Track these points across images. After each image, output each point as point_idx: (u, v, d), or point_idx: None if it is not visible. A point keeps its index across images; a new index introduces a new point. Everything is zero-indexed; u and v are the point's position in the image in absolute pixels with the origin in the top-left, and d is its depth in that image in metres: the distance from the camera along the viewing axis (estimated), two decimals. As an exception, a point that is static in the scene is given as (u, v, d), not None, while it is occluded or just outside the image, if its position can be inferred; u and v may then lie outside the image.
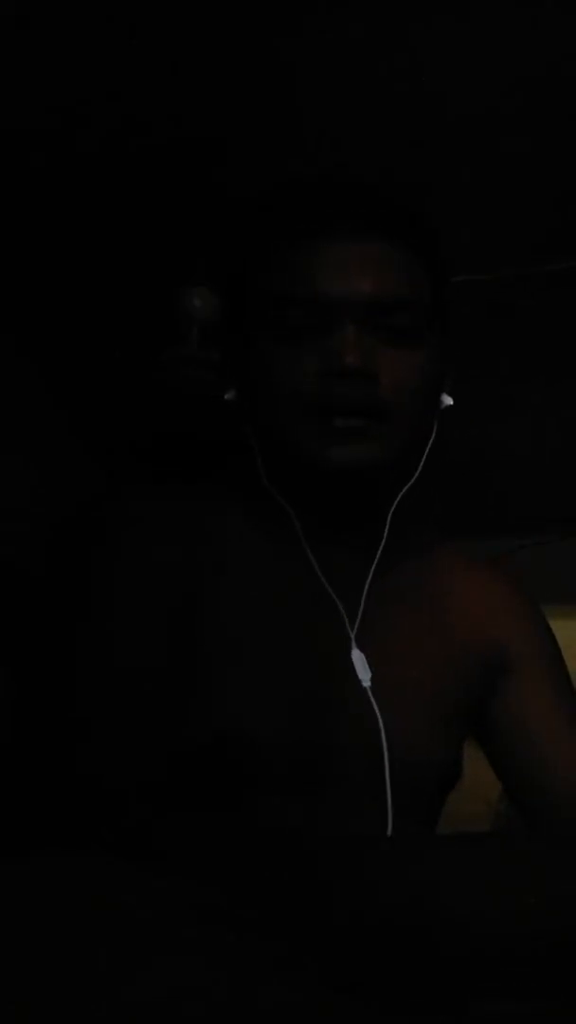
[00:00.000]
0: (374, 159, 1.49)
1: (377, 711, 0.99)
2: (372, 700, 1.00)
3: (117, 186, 1.62)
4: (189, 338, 1.82)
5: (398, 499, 1.04)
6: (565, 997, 0.73)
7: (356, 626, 1.03)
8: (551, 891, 0.73)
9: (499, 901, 0.73)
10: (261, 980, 0.63)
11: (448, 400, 1.06)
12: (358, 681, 1.00)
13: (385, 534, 1.04)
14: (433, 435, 1.05)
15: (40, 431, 2.06)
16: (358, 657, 1.02)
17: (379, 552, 1.05)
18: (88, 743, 0.89)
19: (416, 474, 1.04)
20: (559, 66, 1.41)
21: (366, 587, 1.04)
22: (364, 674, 1.01)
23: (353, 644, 1.02)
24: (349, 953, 0.73)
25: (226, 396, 1.07)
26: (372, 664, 1.01)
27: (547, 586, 1.32)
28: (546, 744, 1.08)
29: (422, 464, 1.04)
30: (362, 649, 1.02)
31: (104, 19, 1.33)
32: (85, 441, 2.14)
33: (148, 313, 1.85)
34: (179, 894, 0.68)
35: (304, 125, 1.50)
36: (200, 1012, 0.60)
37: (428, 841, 0.92)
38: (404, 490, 1.04)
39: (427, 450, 1.05)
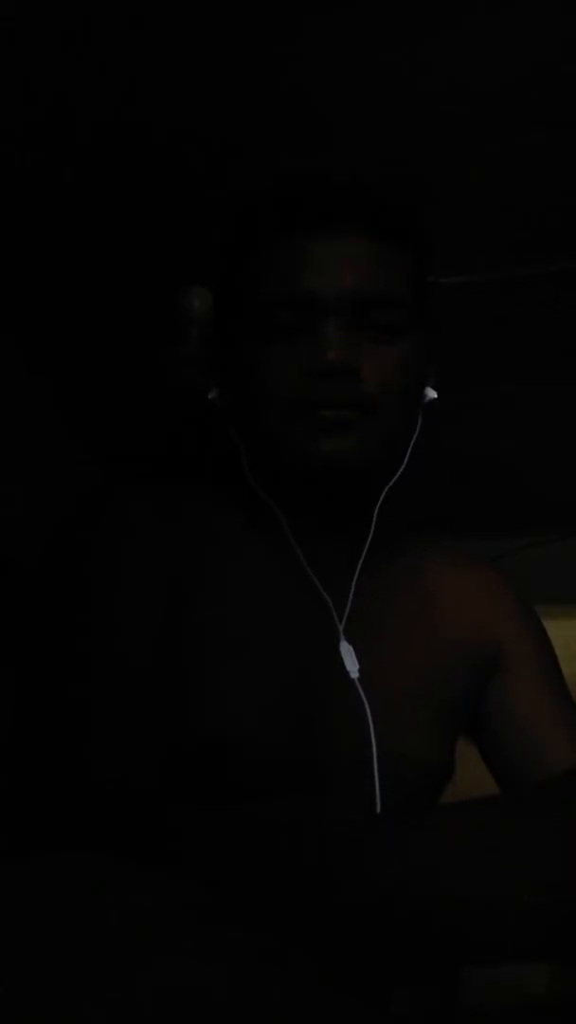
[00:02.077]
0: (374, 157, 1.49)
1: (365, 702, 0.99)
2: (360, 691, 1.00)
3: (116, 185, 1.62)
4: (188, 338, 1.82)
5: (384, 494, 1.04)
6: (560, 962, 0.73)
7: (344, 619, 1.03)
8: (545, 865, 0.73)
9: (494, 875, 0.73)
10: (261, 979, 0.63)
11: (432, 394, 1.06)
12: (346, 673, 1.01)
13: (372, 530, 1.04)
14: (417, 430, 1.05)
15: (38, 429, 2.06)
16: (346, 649, 1.02)
17: (366, 548, 1.05)
18: (90, 740, 0.89)
19: (401, 469, 1.04)
20: (559, 66, 1.41)
21: (354, 582, 1.05)
22: (352, 666, 1.01)
23: (342, 636, 1.02)
24: (350, 950, 0.73)
25: (209, 396, 1.07)
26: (360, 657, 1.02)
27: (547, 586, 1.32)
28: (538, 741, 1.08)
29: (406, 459, 1.05)
30: (351, 643, 1.02)
31: (104, 17, 1.33)
32: (84, 440, 2.14)
33: (148, 313, 1.85)
34: (180, 893, 0.68)
35: (304, 124, 1.50)
36: (200, 1012, 0.60)
37: (420, 818, 0.91)
38: (390, 485, 1.05)
39: (411, 445, 1.05)
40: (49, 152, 1.55)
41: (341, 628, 1.03)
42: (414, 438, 1.05)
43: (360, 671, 1.01)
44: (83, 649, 0.94)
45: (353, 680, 1.00)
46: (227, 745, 0.94)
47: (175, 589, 0.98)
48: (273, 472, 1.03)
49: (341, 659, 1.01)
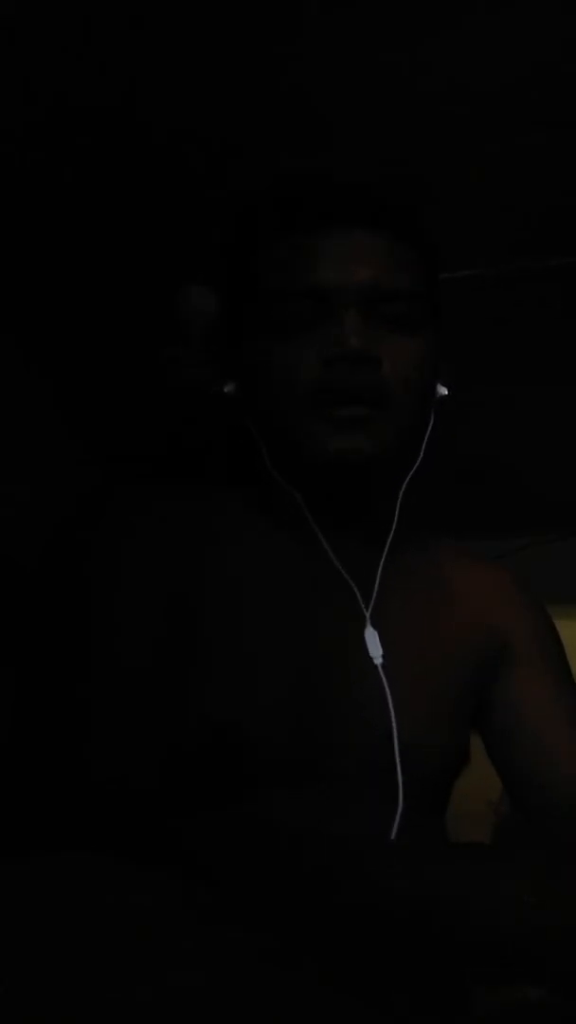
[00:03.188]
0: (374, 157, 1.49)
1: (387, 688, 1.00)
2: (383, 677, 1.00)
3: (116, 185, 1.62)
4: (189, 338, 1.82)
5: (404, 486, 1.06)
6: (563, 988, 0.73)
7: (371, 606, 1.04)
8: (548, 890, 0.73)
9: (498, 898, 0.73)
10: (261, 979, 0.63)
11: (443, 390, 1.08)
12: (369, 660, 1.01)
13: (395, 521, 1.05)
14: (431, 425, 1.06)
15: (38, 429, 2.06)
16: (371, 635, 1.02)
17: (390, 538, 1.06)
18: (90, 740, 0.89)
19: (418, 461, 1.05)
20: (559, 66, 1.41)
21: (380, 570, 1.05)
22: (376, 651, 1.02)
23: (368, 622, 1.03)
24: (350, 950, 0.73)
25: (225, 389, 1.08)
26: (383, 644, 1.02)
27: (547, 586, 1.32)
28: (544, 737, 1.08)
29: (422, 452, 1.06)
30: (375, 629, 1.03)
31: (104, 17, 1.33)
32: (84, 440, 2.14)
33: (148, 313, 1.85)
34: (180, 893, 0.68)
35: (306, 123, 1.49)
36: (200, 1012, 0.60)
37: (429, 841, 0.92)
38: (409, 476, 1.05)
39: (426, 438, 1.06)
40: (49, 152, 1.55)
41: (368, 614, 1.03)
42: (428, 433, 1.06)
43: (383, 656, 1.02)
44: (83, 649, 0.94)
45: (376, 666, 1.01)
46: (244, 729, 0.94)
47: (178, 586, 0.98)
48: (293, 464, 1.04)
49: (362, 646, 1.02)
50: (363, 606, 1.04)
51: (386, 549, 1.06)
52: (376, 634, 1.03)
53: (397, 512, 1.06)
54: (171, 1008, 0.59)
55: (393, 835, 0.93)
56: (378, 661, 1.01)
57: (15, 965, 0.61)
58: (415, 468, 1.06)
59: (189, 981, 0.61)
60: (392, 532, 1.06)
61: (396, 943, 0.74)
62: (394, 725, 0.99)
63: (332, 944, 0.73)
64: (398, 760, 0.98)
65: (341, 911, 0.74)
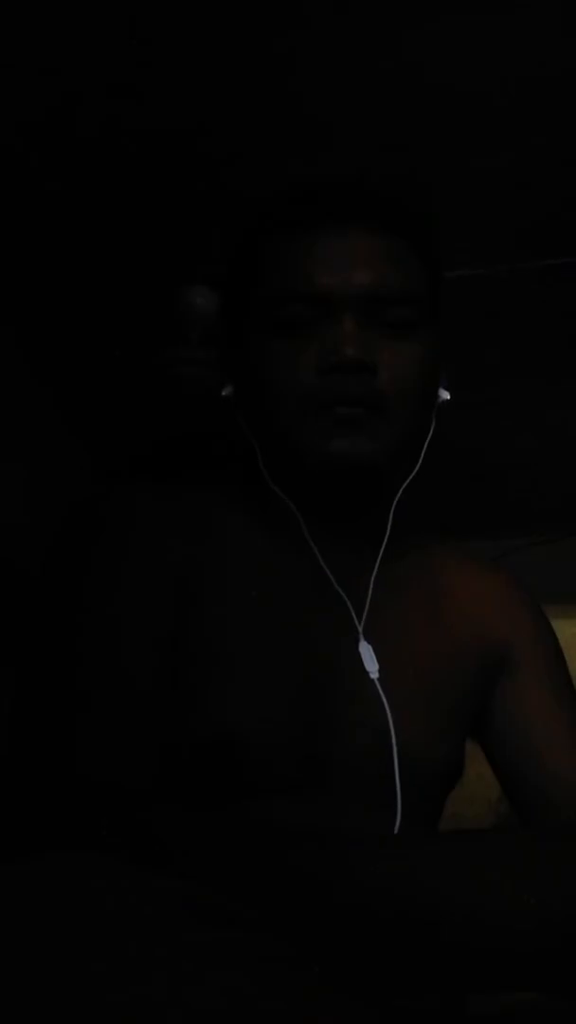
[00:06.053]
0: (373, 156, 1.49)
1: (385, 701, 0.99)
2: (380, 692, 1.00)
3: (117, 184, 1.62)
4: (189, 338, 1.82)
5: (399, 493, 1.05)
6: (564, 990, 0.73)
7: (363, 619, 1.03)
8: (549, 887, 0.73)
9: (498, 897, 0.73)
10: (261, 980, 0.63)
11: (445, 395, 1.07)
12: (365, 673, 1.01)
13: (388, 529, 1.04)
14: (431, 430, 1.06)
15: (38, 430, 2.06)
16: (366, 649, 1.02)
17: (383, 546, 1.05)
18: (84, 741, 0.89)
19: (416, 468, 1.05)
20: (559, 66, 1.41)
21: (372, 581, 1.05)
22: (372, 666, 1.01)
23: (361, 636, 1.02)
24: (350, 950, 0.73)
25: (223, 392, 1.07)
26: (378, 657, 1.02)
27: (547, 586, 1.32)
28: (544, 744, 1.08)
29: (421, 459, 1.05)
30: (368, 642, 1.02)
31: (104, 15, 1.33)
32: (84, 440, 2.14)
33: (148, 313, 1.85)
34: (179, 894, 0.68)
35: (305, 123, 1.50)
36: (200, 1012, 0.60)
37: (428, 837, 0.92)
38: (405, 484, 1.05)
39: (426, 445, 1.05)
40: (49, 153, 1.55)
41: (360, 628, 1.03)
42: (428, 438, 1.05)
43: (378, 670, 1.01)
44: (80, 649, 0.94)
45: (373, 680, 1.00)
46: (241, 737, 0.94)
47: (180, 588, 0.98)
48: (288, 469, 1.03)
49: (357, 658, 1.01)
50: (356, 620, 1.03)
51: (379, 559, 1.05)
52: (370, 648, 1.02)
53: (391, 519, 1.05)
54: (171, 1009, 0.59)
55: None
56: (374, 676, 1.01)
57: (15, 965, 0.61)
58: (413, 475, 1.05)
59: (188, 983, 0.60)
60: (385, 539, 1.05)
61: (396, 944, 0.74)
62: (392, 734, 0.98)
63: (332, 945, 0.73)
64: (396, 769, 0.97)
65: (341, 912, 0.74)
